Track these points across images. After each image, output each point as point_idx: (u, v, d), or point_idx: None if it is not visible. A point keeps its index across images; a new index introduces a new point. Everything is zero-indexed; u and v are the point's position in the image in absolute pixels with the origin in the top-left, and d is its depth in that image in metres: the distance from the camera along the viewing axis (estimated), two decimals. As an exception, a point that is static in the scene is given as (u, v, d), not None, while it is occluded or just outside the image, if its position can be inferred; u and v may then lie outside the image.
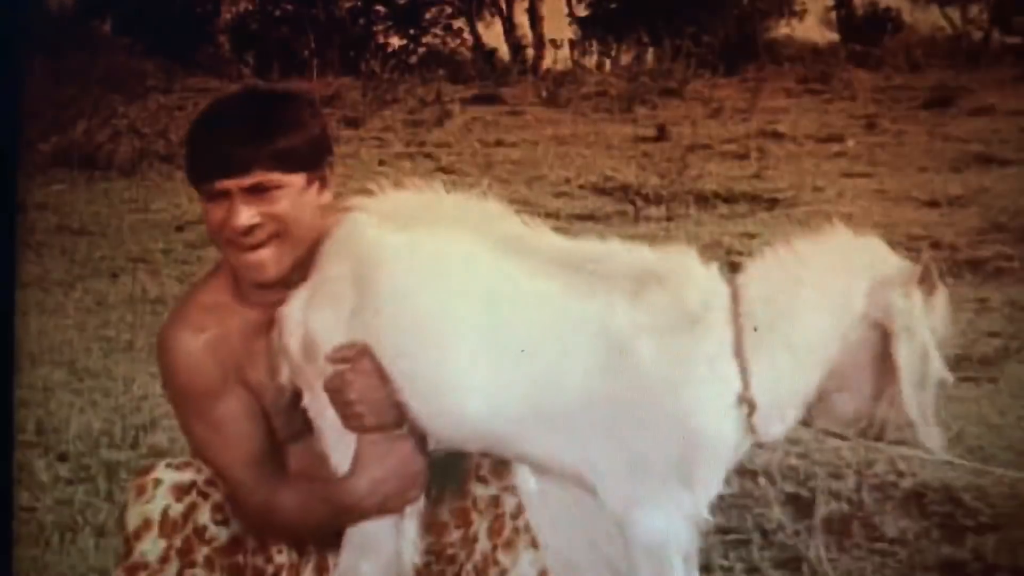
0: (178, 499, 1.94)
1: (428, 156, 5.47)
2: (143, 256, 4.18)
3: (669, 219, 4.75)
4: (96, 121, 4.98)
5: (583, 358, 1.80)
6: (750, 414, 1.79)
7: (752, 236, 4.55)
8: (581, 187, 5.15)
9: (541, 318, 1.82)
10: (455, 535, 2.04)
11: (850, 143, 5.84)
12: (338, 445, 1.92)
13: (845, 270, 1.82)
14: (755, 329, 1.80)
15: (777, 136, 6.05)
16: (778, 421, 1.82)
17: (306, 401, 1.91)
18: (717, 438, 1.80)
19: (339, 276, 1.86)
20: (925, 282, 1.79)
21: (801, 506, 2.95)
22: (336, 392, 1.88)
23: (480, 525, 2.03)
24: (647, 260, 1.83)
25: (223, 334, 1.94)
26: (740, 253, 4.37)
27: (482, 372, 1.82)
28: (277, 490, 1.95)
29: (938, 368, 1.79)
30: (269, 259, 1.89)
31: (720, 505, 2.89)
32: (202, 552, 1.95)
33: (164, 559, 1.92)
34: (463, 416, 1.83)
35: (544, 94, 6.45)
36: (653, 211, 4.83)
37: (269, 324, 1.92)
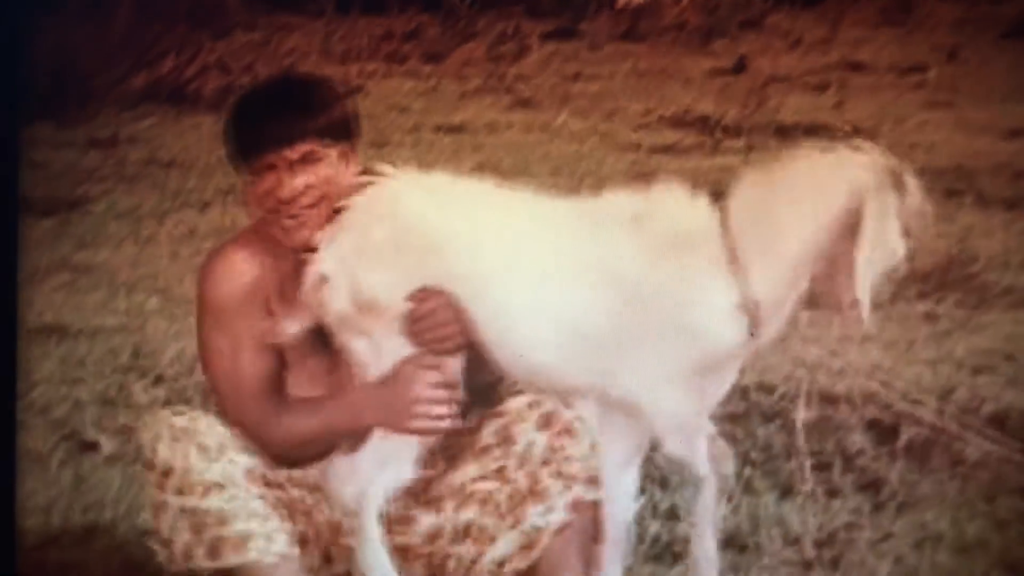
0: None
1: (508, 91, 5.48)
2: (231, 188, 4.26)
3: (749, 151, 4.71)
4: (183, 57, 5.07)
5: (606, 292, 2.05)
6: (751, 318, 2.03)
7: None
8: (660, 120, 5.13)
9: (567, 261, 2.07)
10: (497, 452, 2.14)
11: (931, 73, 5.74)
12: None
13: (823, 179, 2.03)
14: (744, 244, 2.03)
15: (857, 67, 5.95)
16: (775, 320, 2.07)
17: (358, 346, 2.07)
18: (724, 343, 2.06)
19: (375, 229, 2.05)
20: (895, 179, 2.03)
21: (882, 431, 2.96)
22: (422, 320, 2.05)
23: (527, 431, 2.12)
24: (639, 199, 2.08)
25: (259, 263, 2.13)
26: (821, 184, 4.33)
27: (528, 315, 2.06)
28: (287, 409, 2.12)
29: (896, 250, 2.05)
30: (310, 225, 2.08)
31: (802, 429, 2.94)
32: None
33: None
34: (522, 356, 2.07)
35: (622, 28, 6.41)
36: (732, 143, 4.79)
37: (295, 271, 2.10)
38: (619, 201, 2.09)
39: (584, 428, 2.13)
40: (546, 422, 2.13)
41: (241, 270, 2.14)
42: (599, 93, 5.35)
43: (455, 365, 2.11)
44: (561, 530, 2.12)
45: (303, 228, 2.09)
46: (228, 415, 2.14)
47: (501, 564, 2.17)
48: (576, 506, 2.13)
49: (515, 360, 2.09)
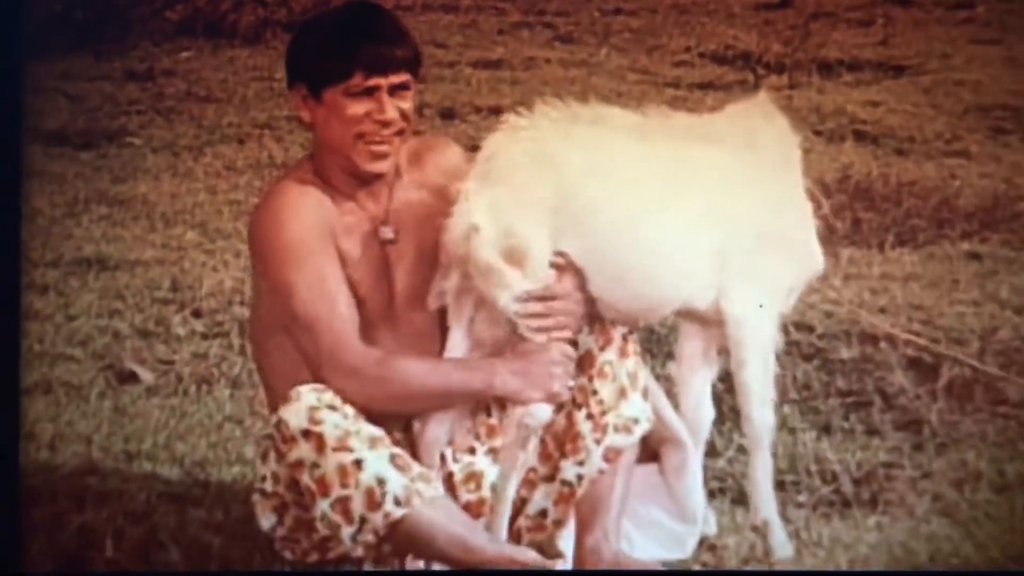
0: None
1: (547, 25, 5.41)
2: (268, 122, 4.25)
3: (791, 87, 4.65)
4: (219, -10, 5.04)
5: (726, 210, 2.17)
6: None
7: (877, 104, 4.44)
8: (701, 55, 5.05)
9: (698, 186, 2.18)
10: None
11: (979, 9, 5.61)
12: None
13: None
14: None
15: (904, 2, 5.82)
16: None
17: (501, 300, 2.10)
18: (818, 262, 2.24)
19: (536, 184, 2.10)
20: None
21: (923, 370, 2.93)
22: (552, 300, 2.11)
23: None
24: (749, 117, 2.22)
25: (318, 201, 2.14)
26: (864, 122, 4.27)
27: (662, 242, 2.15)
28: (396, 361, 2.11)
29: None
30: (392, 152, 2.13)
31: (841, 369, 2.92)
32: None
33: None
34: (655, 288, 2.16)
35: (663, -39, 6.29)
36: (774, 80, 4.72)
37: (352, 207, 2.15)
38: (730, 120, 2.21)
39: (613, 371, 2.15)
40: (580, 364, 2.16)
41: (308, 206, 2.13)
42: (639, 28, 5.27)
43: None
44: (599, 474, 2.14)
45: (383, 158, 2.13)
46: (324, 358, 2.10)
47: (542, 515, 2.19)
48: (610, 454, 2.14)
49: (647, 309, 2.18)
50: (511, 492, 2.15)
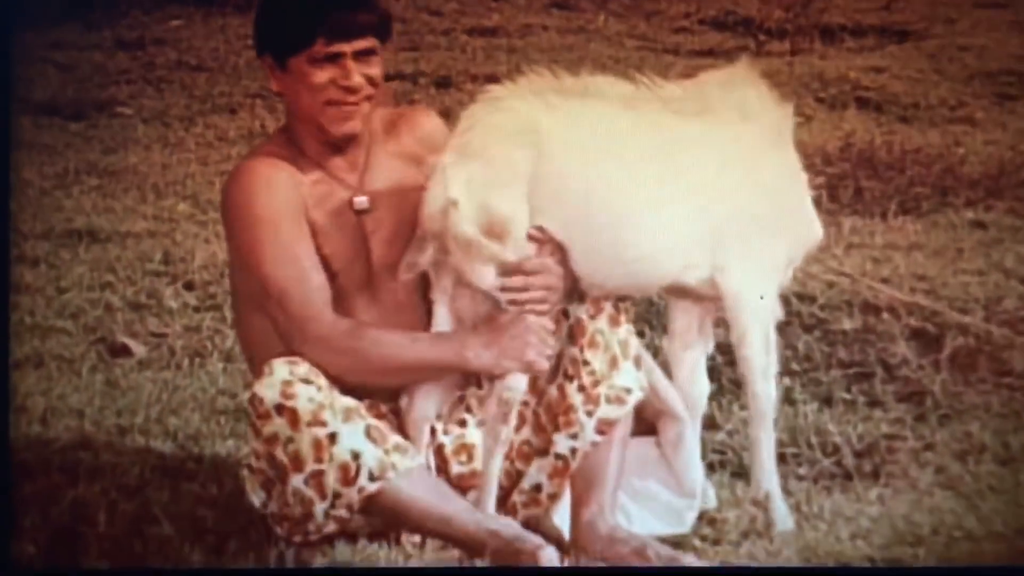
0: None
1: (544, -9, 5.37)
2: (260, 92, 4.22)
3: (793, 54, 4.60)
4: (210, -43, 5.00)
5: (723, 186, 2.14)
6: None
7: (880, 70, 4.39)
8: (701, 22, 5.01)
9: (688, 160, 2.13)
10: None
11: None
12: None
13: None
14: None
15: (907, -33, 5.78)
16: None
17: (479, 275, 2.08)
18: (816, 234, 2.22)
19: (513, 158, 2.07)
20: None
21: (926, 341, 2.90)
22: (536, 275, 2.08)
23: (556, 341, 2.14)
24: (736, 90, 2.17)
25: (289, 175, 2.13)
26: (868, 88, 4.23)
27: (649, 219, 2.10)
28: (364, 326, 2.09)
29: None
30: (358, 115, 2.12)
31: (843, 340, 2.89)
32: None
33: None
34: (644, 264, 2.12)
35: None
36: (776, 46, 4.68)
37: (325, 178, 2.13)
38: (720, 91, 2.17)
39: (605, 340, 2.13)
40: (571, 334, 2.14)
41: (277, 179, 2.13)
42: (638, -6, 5.22)
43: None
44: (593, 446, 2.12)
45: (352, 119, 2.12)
46: (294, 329, 2.09)
47: (537, 489, 2.17)
48: (603, 426, 2.12)
49: (627, 279, 2.13)
50: (496, 466, 2.12)
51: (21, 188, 3.73)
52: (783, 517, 2.25)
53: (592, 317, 2.14)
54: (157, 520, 2.30)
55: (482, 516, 2.07)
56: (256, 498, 2.10)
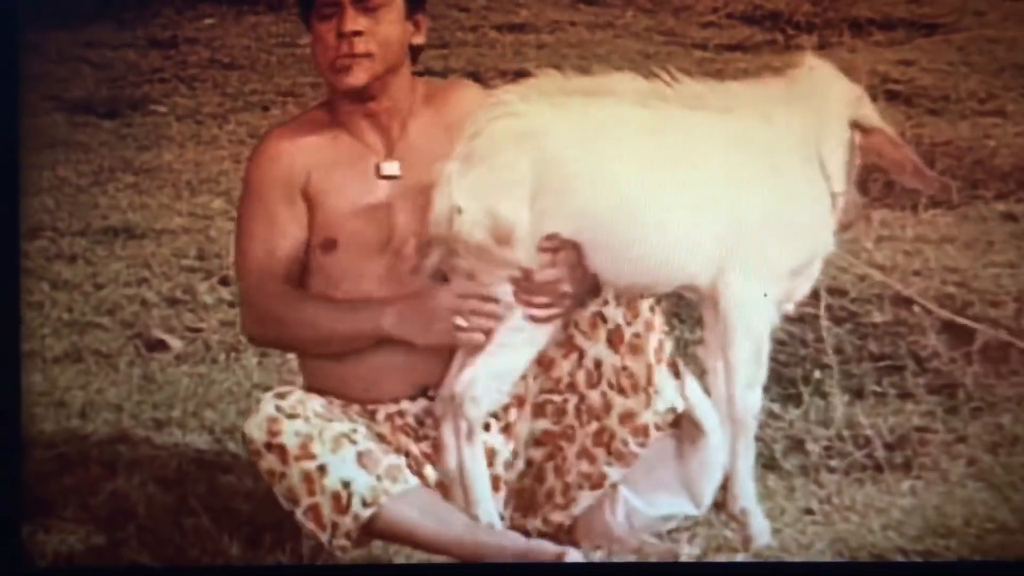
0: None
1: (571, -13, 5.37)
2: (292, 90, 4.24)
3: (821, 47, 4.58)
4: (242, -45, 5.02)
5: (736, 185, 2.11)
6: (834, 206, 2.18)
7: (909, 63, 4.37)
8: (729, 16, 4.99)
9: (701, 159, 2.11)
10: (565, 366, 2.14)
11: (1015, -33, 5.50)
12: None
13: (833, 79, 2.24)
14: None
15: (936, -40, 5.75)
16: (839, 207, 2.20)
17: (483, 279, 2.07)
18: (827, 240, 2.19)
19: (516, 163, 2.06)
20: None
21: (957, 333, 2.90)
22: (550, 284, 2.06)
23: (594, 345, 2.11)
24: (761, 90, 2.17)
25: (298, 146, 2.17)
26: (897, 81, 4.21)
27: (665, 222, 2.09)
28: (312, 302, 2.14)
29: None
30: (360, 68, 2.12)
31: (874, 333, 2.90)
32: None
33: None
34: (656, 264, 2.11)
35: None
36: (804, 40, 4.66)
37: (352, 142, 2.16)
38: (743, 90, 2.16)
39: (643, 343, 2.12)
40: (610, 340, 2.12)
41: (278, 152, 2.18)
42: (666, -11, 5.22)
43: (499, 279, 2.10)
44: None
45: (351, 72, 2.13)
46: (241, 298, 2.18)
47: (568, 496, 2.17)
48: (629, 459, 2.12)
49: (648, 278, 2.12)
50: (478, 475, 2.09)
51: (58, 186, 3.78)
52: (762, 532, 2.19)
53: (629, 323, 2.13)
54: (195, 512, 2.33)
55: (483, 532, 2.06)
56: (286, 504, 2.12)
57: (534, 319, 2.07)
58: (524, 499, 2.18)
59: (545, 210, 2.07)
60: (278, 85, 4.42)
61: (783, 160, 2.14)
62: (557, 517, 2.17)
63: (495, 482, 2.15)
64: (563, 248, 2.08)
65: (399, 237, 2.16)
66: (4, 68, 2.06)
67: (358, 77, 2.14)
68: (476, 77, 4.48)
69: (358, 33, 2.12)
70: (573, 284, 2.08)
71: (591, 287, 2.12)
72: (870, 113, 2.23)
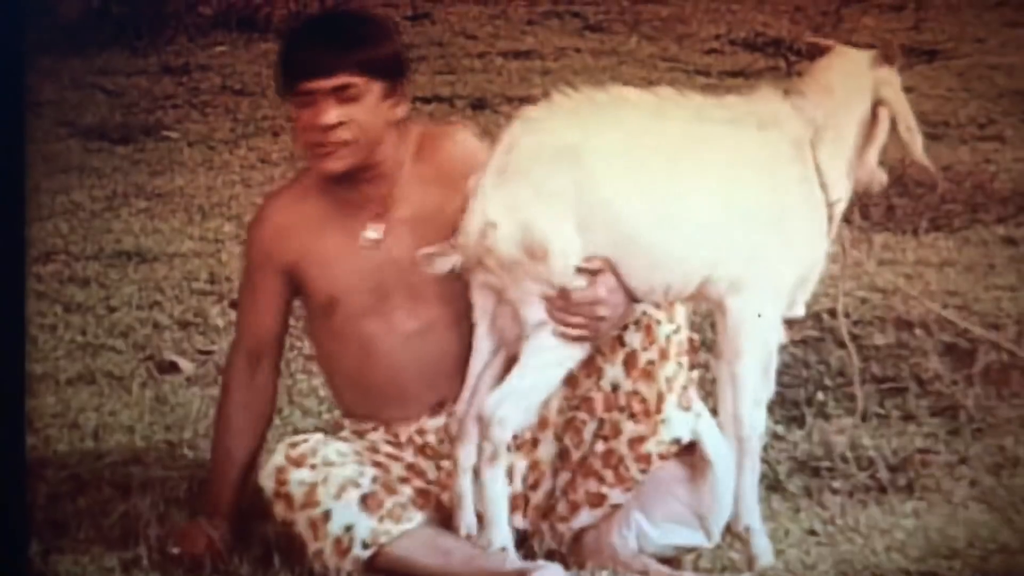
0: None
1: (576, 15, 5.42)
2: (301, 116, 4.28)
3: (823, 73, 4.62)
4: (253, -16, 5.08)
5: (739, 192, 2.12)
6: (829, 217, 2.17)
7: (910, 89, 4.40)
8: (732, 43, 5.04)
9: (709, 166, 2.11)
10: (586, 384, 2.14)
11: (1014, -7, 5.55)
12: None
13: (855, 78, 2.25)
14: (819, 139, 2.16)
15: (936, -14, 5.79)
16: (837, 215, 2.19)
17: (513, 295, 2.05)
18: (821, 247, 2.17)
19: (554, 178, 2.04)
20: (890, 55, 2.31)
21: (959, 356, 2.92)
22: (586, 306, 2.04)
23: (612, 367, 2.12)
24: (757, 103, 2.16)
25: (292, 206, 2.20)
26: (898, 107, 4.24)
27: (687, 227, 2.09)
28: (235, 389, 2.30)
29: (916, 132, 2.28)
30: (339, 156, 2.11)
31: (876, 355, 2.92)
32: None
33: None
34: (676, 272, 2.10)
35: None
36: (806, 66, 4.70)
37: (340, 209, 2.18)
38: (742, 104, 2.15)
39: (655, 370, 2.11)
40: (625, 363, 2.12)
41: (269, 217, 2.22)
42: (669, 17, 5.26)
43: None
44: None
45: (331, 159, 2.12)
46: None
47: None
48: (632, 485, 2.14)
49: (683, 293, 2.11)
50: (495, 502, 2.07)
51: (72, 210, 3.82)
52: (764, 552, 2.18)
53: (645, 348, 2.12)
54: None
55: (485, 560, 2.06)
56: None
57: (564, 336, 2.06)
58: (539, 509, 2.20)
59: (583, 224, 2.04)
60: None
61: (780, 164, 2.13)
62: (559, 527, 2.18)
63: (513, 501, 2.16)
64: (603, 271, 2.07)
65: (395, 296, 2.19)
66: (10, 92, 2.08)
67: (338, 164, 2.13)
68: (483, 103, 4.53)
69: (336, 124, 2.09)
70: (608, 308, 2.06)
71: (624, 315, 2.09)
72: (893, 96, 2.26)
